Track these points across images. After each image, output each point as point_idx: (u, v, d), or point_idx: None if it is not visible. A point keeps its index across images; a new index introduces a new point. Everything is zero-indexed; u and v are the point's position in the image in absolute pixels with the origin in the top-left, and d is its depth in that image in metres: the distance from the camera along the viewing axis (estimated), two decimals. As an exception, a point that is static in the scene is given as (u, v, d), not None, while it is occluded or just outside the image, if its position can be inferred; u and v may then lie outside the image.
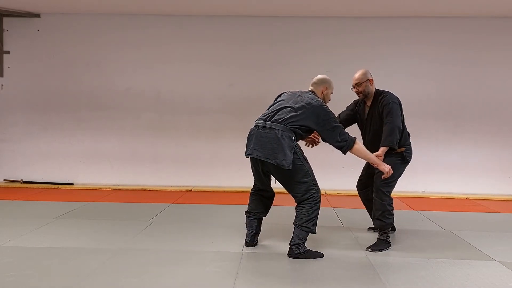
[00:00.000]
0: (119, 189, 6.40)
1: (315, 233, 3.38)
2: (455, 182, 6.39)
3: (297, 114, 3.31)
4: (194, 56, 6.61)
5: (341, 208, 5.34)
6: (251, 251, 3.48)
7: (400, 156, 3.67)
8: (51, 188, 6.39)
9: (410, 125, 6.64)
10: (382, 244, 3.59)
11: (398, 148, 3.60)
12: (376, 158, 3.47)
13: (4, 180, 6.64)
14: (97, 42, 6.62)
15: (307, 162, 3.38)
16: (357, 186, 4.13)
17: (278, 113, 3.36)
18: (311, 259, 3.29)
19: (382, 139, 3.58)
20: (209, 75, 6.59)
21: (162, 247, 3.54)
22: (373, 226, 3.91)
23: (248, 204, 3.70)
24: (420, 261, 3.32)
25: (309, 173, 3.35)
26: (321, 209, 5.07)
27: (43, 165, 6.64)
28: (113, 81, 6.63)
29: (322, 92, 3.56)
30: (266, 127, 3.32)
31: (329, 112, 3.36)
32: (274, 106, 3.49)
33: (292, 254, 3.32)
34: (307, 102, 3.35)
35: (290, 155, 3.22)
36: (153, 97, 6.65)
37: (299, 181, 3.33)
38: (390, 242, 3.65)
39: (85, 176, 6.63)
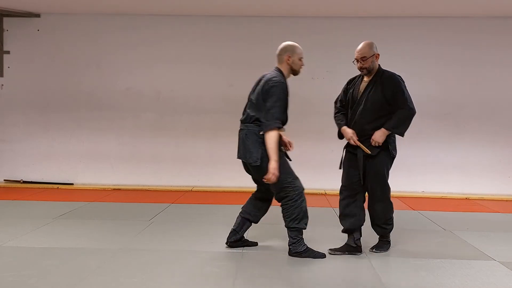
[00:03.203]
0: (119, 189, 6.40)
1: (304, 228, 3.30)
2: (455, 182, 6.39)
3: (256, 106, 3.30)
4: (194, 56, 6.61)
5: (341, 208, 5.33)
6: (251, 251, 3.48)
7: (387, 150, 3.39)
8: (51, 188, 6.39)
9: (410, 124, 6.60)
10: (385, 245, 3.54)
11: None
12: (275, 155, 3.15)
13: (4, 180, 6.63)
14: (97, 42, 6.62)
15: (282, 158, 3.26)
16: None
17: (245, 112, 3.40)
18: (311, 259, 3.28)
19: (391, 122, 3.29)
20: (209, 75, 6.59)
21: (162, 247, 3.54)
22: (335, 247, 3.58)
23: None
24: (420, 261, 3.32)
25: (280, 169, 3.21)
26: (321, 209, 5.13)
27: (43, 165, 6.64)
28: (113, 81, 6.63)
29: (287, 62, 3.35)
30: (240, 129, 3.40)
31: (277, 89, 3.21)
32: (245, 105, 3.49)
33: (291, 254, 3.33)
34: (261, 87, 3.29)
35: (256, 151, 3.21)
36: (153, 97, 6.65)
37: (278, 179, 3.23)
38: (390, 242, 3.62)
39: (85, 176, 6.63)
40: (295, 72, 3.44)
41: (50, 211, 4.76)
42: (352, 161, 3.45)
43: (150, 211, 4.89)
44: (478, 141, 6.41)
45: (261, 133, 3.22)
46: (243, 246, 3.56)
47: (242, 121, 3.40)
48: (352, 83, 3.57)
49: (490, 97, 6.39)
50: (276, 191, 3.30)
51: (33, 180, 6.58)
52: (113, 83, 6.63)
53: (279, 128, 3.24)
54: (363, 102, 3.37)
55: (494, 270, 3.14)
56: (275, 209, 5.17)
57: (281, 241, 3.78)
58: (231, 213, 4.84)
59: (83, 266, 3.05)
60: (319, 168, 6.25)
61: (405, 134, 3.38)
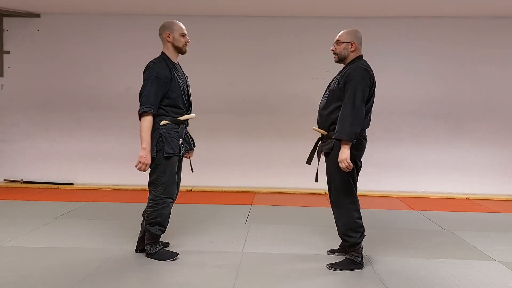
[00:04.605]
0: (119, 189, 6.40)
1: (157, 234, 3.20)
2: (455, 182, 6.39)
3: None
4: (193, 56, 6.55)
5: (341, 208, 5.33)
6: (251, 251, 3.48)
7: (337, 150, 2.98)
8: (51, 188, 6.39)
9: (410, 125, 6.64)
10: (345, 264, 3.12)
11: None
12: (147, 142, 3.02)
13: (4, 180, 6.64)
14: (97, 42, 6.62)
15: (168, 160, 3.11)
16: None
17: None
18: (311, 260, 3.27)
19: (337, 126, 2.93)
20: (208, 74, 6.59)
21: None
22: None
23: None
24: (420, 261, 3.32)
25: (160, 170, 3.11)
26: (321, 209, 5.12)
27: (43, 165, 6.64)
28: (113, 81, 6.63)
29: (168, 40, 3.19)
30: None
31: (150, 72, 3.10)
32: None
33: (146, 254, 3.26)
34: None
35: (152, 143, 3.08)
36: (153, 97, 6.63)
37: (151, 172, 3.17)
38: (361, 263, 3.13)
39: (85, 176, 6.63)
40: (179, 50, 3.23)
41: (50, 211, 4.76)
42: None
43: (150, 211, 4.87)
44: (478, 141, 6.41)
45: (162, 123, 3.07)
46: None
47: None
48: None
49: (490, 97, 6.39)
50: (148, 184, 3.22)
51: (33, 180, 6.58)
52: (113, 83, 6.63)
53: (149, 112, 3.02)
54: (326, 91, 3.19)
55: (494, 270, 3.14)
56: (277, 209, 5.18)
57: (281, 241, 3.78)
58: (231, 213, 4.86)
59: (83, 266, 3.06)
60: (319, 168, 6.25)
61: (354, 137, 2.88)
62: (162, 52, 3.27)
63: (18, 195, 5.77)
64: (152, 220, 3.18)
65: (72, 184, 6.60)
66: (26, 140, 6.68)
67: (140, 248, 3.38)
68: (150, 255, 3.24)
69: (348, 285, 2.84)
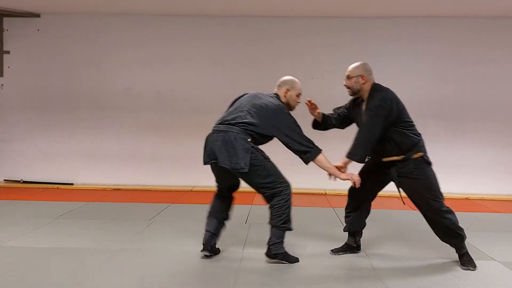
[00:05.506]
0: (119, 189, 6.40)
1: (291, 229, 3.24)
2: (455, 182, 6.38)
3: (253, 118, 3.20)
4: (194, 56, 6.61)
5: (341, 208, 5.31)
6: (251, 251, 3.48)
7: (424, 161, 3.31)
8: (51, 188, 6.39)
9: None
10: (471, 260, 3.23)
11: (416, 153, 3.27)
12: (337, 170, 3.26)
13: (4, 180, 6.64)
14: (97, 42, 6.62)
15: (268, 161, 3.25)
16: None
17: (234, 115, 3.27)
18: (310, 262, 3.27)
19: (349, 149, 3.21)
20: (209, 74, 6.59)
21: (162, 247, 3.54)
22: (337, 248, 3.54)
23: (210, 206, 3.50)
24: (420, 261, 3.32)
25: (271, 172, 3.21)
26: (321, 209, 5.13)
27: (43, 165, 6.64)
28: (113, 81, 6.63)
29: (285, 95, 3.38)
30: (221, 130, 3.24)
31: (288, 115, 3.24)
32: (231, 109, 3.37)
33: (270, 254, 3.19)
34: (264, 105, 3.23)
35: (245, 157, 3.11)
36: (153, 97, 6.64)
37: (261, 181, 3.19)
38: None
39: (85, 176, 6.63)
40: (289, 107, 3.39)
41: (50, 211, 4.75)
42: (371, 173, 3.40)
43: (150, 211, 4.88)
44: (478, 141, 6.41)
45: (249, 140, 3.17)
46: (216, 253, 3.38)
47: (225, 123, 3.27)
48: (355, 103, 3.42)
49: (491, 97, 6.38)
50: (268, 194, 3.23)
51: (33, 180, 6.58)
52: (113, 83, 6.63)
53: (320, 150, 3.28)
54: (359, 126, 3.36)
55: (494, 270, 3.14)
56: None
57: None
58: (231, 213, 4.84)
59: (83, 266, 3.05)
60: (320, 168, 6.24)
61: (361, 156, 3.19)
62: (278, 96, 3.41)
63: (18, 195, 5.77)
64: (287, 217, 3.20)
65: (72, 184, 6.60)
66: (26, 140, 6.68)
67: (212, 245, 3.28)
68: (276, 255, 3.17)
69: (348, 285, 2.84)
